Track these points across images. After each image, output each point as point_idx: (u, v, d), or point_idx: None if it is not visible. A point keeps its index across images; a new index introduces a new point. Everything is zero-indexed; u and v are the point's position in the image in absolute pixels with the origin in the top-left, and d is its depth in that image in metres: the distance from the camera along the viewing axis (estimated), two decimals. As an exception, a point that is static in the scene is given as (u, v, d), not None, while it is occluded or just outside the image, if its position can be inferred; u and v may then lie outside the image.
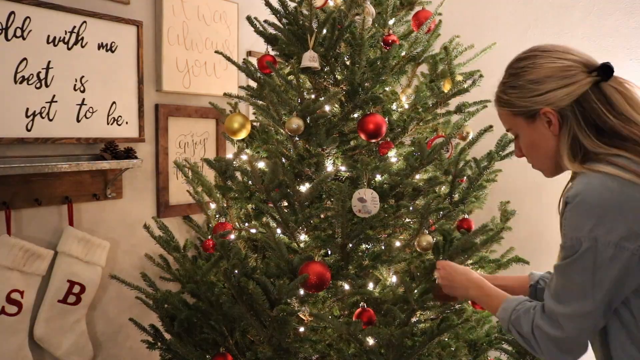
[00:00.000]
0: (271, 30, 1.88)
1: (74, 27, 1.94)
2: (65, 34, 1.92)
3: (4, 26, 1.76)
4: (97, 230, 2.10)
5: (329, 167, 1.76)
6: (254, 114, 2.09)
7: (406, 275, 1.74)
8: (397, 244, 1.74)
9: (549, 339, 1.09)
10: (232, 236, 1.86)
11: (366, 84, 1.70)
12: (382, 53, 1.76)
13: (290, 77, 1.78)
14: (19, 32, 1.79)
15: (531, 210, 2.78)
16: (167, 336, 1.88)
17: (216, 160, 1.92)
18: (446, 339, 1.77)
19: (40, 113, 1.87)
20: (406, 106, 1.91)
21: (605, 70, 1.16)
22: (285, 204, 1.69)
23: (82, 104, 1.99)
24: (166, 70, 2.28)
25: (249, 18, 1.89)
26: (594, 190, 1.04)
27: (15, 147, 1.83)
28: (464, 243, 1.58)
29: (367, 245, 1.74)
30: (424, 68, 2.05)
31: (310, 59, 1.66)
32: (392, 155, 1.82)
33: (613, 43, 2.65)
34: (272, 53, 1.91)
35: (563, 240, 1.08)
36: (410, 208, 1.67)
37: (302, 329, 1.70)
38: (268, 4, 1.86)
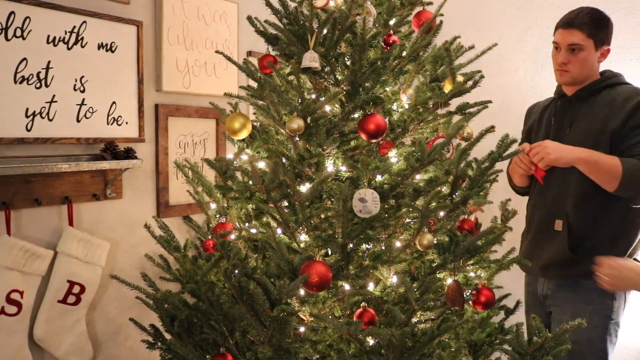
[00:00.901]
0: (272, 30, 1.88)
1: (74, 27, 1.94)
2: (65, 34, 1.92)
3: (4, 26, 1.75)
4: (97, 231, 2.09)
5: (330, 167, 1.76)
6: (255, 114, 2.09)
7: (407, 276, 1.74)
8: (398, 244, 1.74)
9: None
10: (233, 236, 1.86)
11: (367, 84, 1.70)
12: (382, 53, 1.76)
13: (291, 77, 1.78)
14: (19, 32, 1.79)
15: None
16: (167, 336, 1.87)
17: (216, 160, 1.91)
18: (446, 340, 1.77)
19: (40, 113, 1.86)
20: (407, 106, 1.90)
21: None
22: (286, 204, 1.69)
23: (82, 104, 1.98)
24: (166, 70, 2.28)
25: (249, 18, 1.89)
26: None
27: (15, 147, 1.83)
28: (469, 244, 1.58)
29: (367, 246, 1.73)
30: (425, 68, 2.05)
31: (310, 59, 1.66)
32: (393, 155, 1.82)
33: (613, 43, 2.64)
34: (273, 53, 1.91)
35: None
36: (411, 208, 1.67)
37: (302, 329, 1.69)
38: (268, 4, 1.85)
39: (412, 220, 1.75)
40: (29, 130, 1.83)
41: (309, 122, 1.66)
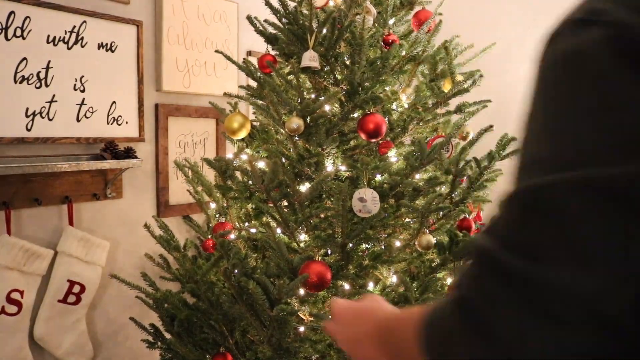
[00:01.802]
0: (271, 30, 1.88)
1: (74, 26, 1.94)
2: (65, 33, 1.92)
3: (4, 26, 1.76)
4: (97, 230, 2.10)
5: (329, 166, 1.76)
6: (254, 113, 2.09)
7: (406, 275, 1.74)
8: (397, 243, 1.74)
9: None
10: (232, 236, 1.86)
11: (366, 84, 1.70)
12: (382, 53, 1.76)
13: (290, 77, 1.78)
14: (19, 32, 1.79)
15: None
16: (167, 336, 1.88)
17: (216, 160, 1.92)
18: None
19: (40, 113, 1.87)
20: (406, 106, 1.91)
21: None
22: (285, 203, 1.69)
23: (82, 103, 1.99)
24: (166, 70, 2.28)
25: (249, 18, 1.89)
26: None
27: (15, 146, 1.83)
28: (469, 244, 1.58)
29: (367, 245, 1.74)
30: (423, 67, 2.05)
31: (310, 58, 1.66)
32: (392, 155, 1.82)
33: (613, 43, 2.64)
34: (272, 53, 1.91)
35: None
36: (410, 208, 1.67)
37: (302, 329, 1.70)
38: (268, 4, 1.86)
39: (411, 220, 1.76)
40: (29, 130, 1.83)
41: (308, 121, 1.66)
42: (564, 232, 0.42)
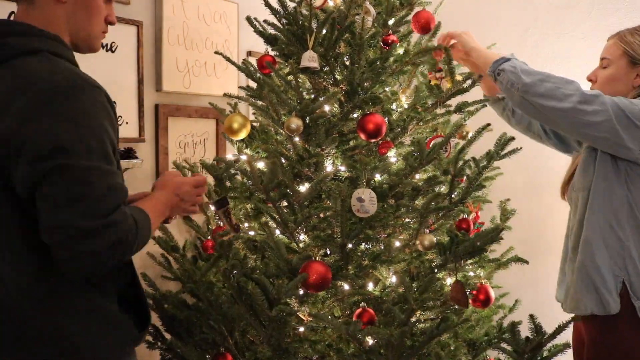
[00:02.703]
0: (271, 31, 1.88)
1: (74, 27, 1.95)
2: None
3: (4, 26, 1.76)
4: (97, 230, 2.09)
5: (329, 167, 1.76)
6: (254, 114, 2.10)
7: (406, 275, 1.74)
8: (397, 244, 1.74)
9: None
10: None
11: (365, 84, 1.70)
12: (381, 53, 1.77)
13: (290, 77, 1.79)
14: (19, 33, 1.80)
15: (531, 209, 2.78)
16: (167, 336, 1.88)
17: (215, 161, 1.92)
18: (445, 339, 1.77)
19: (41, 113, 1.87)
20: (406, 106, 1.91)
21: None
22: (285, 203, 1.69)
23: (82, 104, 1.99)
24: (166, 70, 2.29)
25: (248, 18, 1.89)
26: None
27: (16, 147, 1.83)
28: (470, 245, 1.58)
29: (366, 245, 1.74)
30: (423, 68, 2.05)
31: (309, 59, 1.66)
32: (392, 155, 1.83)
33: (613, 43, 2.64)
34: (272, 53, 1.92)
35: None
36: (410, 208, 1.67)
37: (301, 329, 1.70)
38: (268, 4, 1.86)
39: (411, 220, 1.76)
40: (29, 131, 1.84)
41: (308, 122, 1.67)
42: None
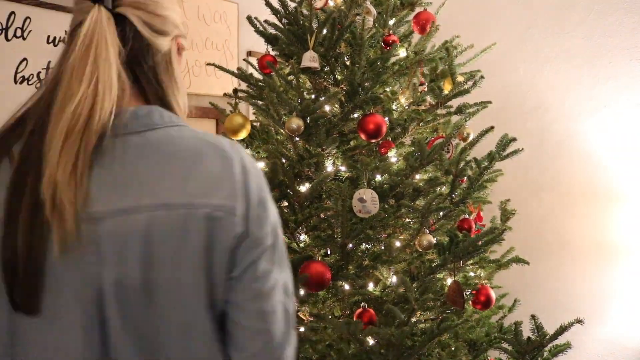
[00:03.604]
0: (271, 31, 1.88)
1: (74, 27, 1.94)
2: (65, 33, 1.92)
3: (4, 26, 1.76)
4: (97, 230, 2.09)
5: (329, 167, 1.76)
6: (254, 114, 2.09)
7: (406, 275, 1.74)
8: (397, 244, 1.74)
9: None
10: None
11: (366, 84, 1.70)
12: (382, 53, 1.76)
13: (290, 77, 1.79)
14: (19, 32, 1.79)
15: (531, 210, 2.79)
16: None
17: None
18: (446, 339, 1.77)
19: (41, 113, 1.87)
20: (406, 106, 1.91)
21: None
22: (285, 203, 1.69)
23: (82, 104, 1.99)
24: (166, 70, 2.28)
25: (249, 18, 1.89)
26: None
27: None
28: (469, 245, 1.58)
29: (367, 245, 1.74)
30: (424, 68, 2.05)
31: (310, 59, 1.66)
32: (392, 155, 1.83)
33: (613, 43, 2.65)
34: (272, 53, 1.91)
35: None
36: (411, 209, 1.67)
37: (302, 329, 1.70)
38: (268, 4, 1.86)
39: (411, 220, 1.76)
40: (29, 130, 1.83)
41: (308, 122, 1.66)
42: None
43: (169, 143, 0.74)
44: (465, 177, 1.81)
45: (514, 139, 1.76)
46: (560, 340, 1.58)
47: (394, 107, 1.89)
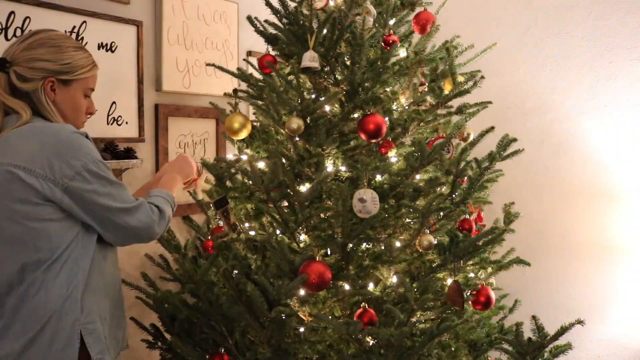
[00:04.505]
0: (271, 30, 1.88)
1: (74, 27, 1.94)
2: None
3: (4, 26, 1.75)
4: (97, 231, 2.09)
5: (329, 167, 1.76)
6: (254, 114, 2.09)
7: (407, 276, 1.74)
8: (398, 244, 1.74)
9: None
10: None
11: (366, 84, 1.70)
12: (382, 53, 1.76)
13: (290, 77, 1.78)
14: (19, 32, 1.79)
15: (531, 210, 2.78)
16: (167, 336, 1.88)
17: (215, 161, 1.91)
18: (446, 339, 1.77)
19: (40, 113, 1.86)
20: (406, 106, 1.91)
21: None
22: (285, 204, 1.69)
23: (82, 104, 1.98)
24: (166, 70, 2.28)
25: (249, 18, 1.89)
26: None
27: (15, 147, 1.82)
28: (470, 245, 1.58)
29: (367, 246, 1.73)
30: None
31: (310, 59, 1.66)
32: (393, 155, 1.82)
33: (613, 43, 2.64)
34: (273, 53, 1.91)
35: None
36: (411, 209, 1.67)
37: (302, 330, 1.70)
38: (268, 4, 1.85)
39: (412, 220, 1.75)
40: (29, 130, 1.83)
41: (308, 122, 1.66)
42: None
43: (23, 130, 1.27)
44: (466, 177, 1.80)
45: (515, 139, 1.76)
46: (561, 340, 1.58)
47: (394, 107, 1.89)
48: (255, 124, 1.97)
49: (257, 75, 1.91)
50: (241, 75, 1.87)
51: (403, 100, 1.89)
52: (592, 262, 2.71)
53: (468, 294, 1.74)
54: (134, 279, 1.88)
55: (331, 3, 1.85)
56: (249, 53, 2.69)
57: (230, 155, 2.07)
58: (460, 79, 1.73)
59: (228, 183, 1.85)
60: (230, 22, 2.57)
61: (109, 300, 1.37)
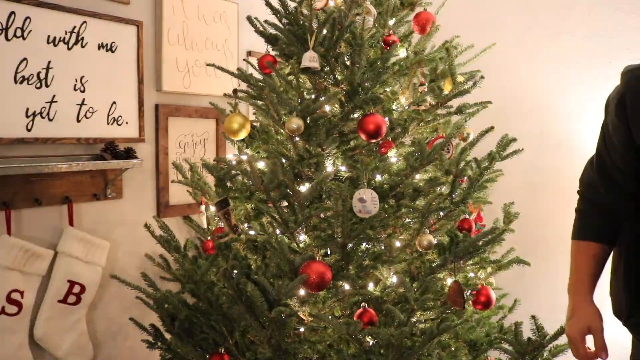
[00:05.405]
0: (271, 31, 1.88)
1: (74, 27, 1.94)
2: (65, 34, 1.92)
3: (4, 26, 1.76)
4: (97, 230, 2.09)
5: (329, 167, 1.76)
6: (254, 114, 2.09)
7: (407, 276, 1.74)
8: (398, 244, 1.74)
9: None
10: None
11: (366, 84, 1.70)
12: (382, 53, 1.76)
13: (290, 77, 1.78)
14: (19, 32, 1.79)
15: (531, 210, 2.78)
16: (167, 336, 1.88)
17: (215, 161, 1.91)
18: (446, 339, 1.77)
19: (41, 113, 1.87)
20: (406, 106, 1.91)
21: None
22: (285, 204, 1.69)
23: (82, 104, 1.99)
24: (166, 70, 2.28)
25: (249, 18, 1.89)
26: None
27: (15, 147, 1.83)
28: (470, 245, 1.58)
29: (367, 245, 1.73)
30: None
31: (310, 59, 1.66)
32: (392, 155, 1.82)
33: (613, 43, 2.64)
34: (273, 53, 1.91)
35: None
36: (411, 209, 1.67)
37: (302, 329, 1.70)
38: (268, 4, 1.85)
39: (412, 220, 1.76)
40: (29, 130, 1.83)
41: (308, 122, 1.66)
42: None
43: None
44: (466, 177, 1.80)
45: (514, 139, 1.76)
46: (561, 340, 1.58)
47: (394, 107, 1.89)
48: (255, 124, 1.97)
49: (257, 75, 1.91)
50: (241, 75, 1.87)
51: (403, 100, 1.89)
52: (592, 262, 2.70)
53: (468, 294, 1.74)
54: (134, 279, 1.88)
55: (331, 3, 1.85)
56: (249, 53, 2.69)
57: (230, 155, 2.07)
58: (460, 79, 1.73)
59: (228, 183, 1.85)
60: (230, 22, 2.57)
61: None
